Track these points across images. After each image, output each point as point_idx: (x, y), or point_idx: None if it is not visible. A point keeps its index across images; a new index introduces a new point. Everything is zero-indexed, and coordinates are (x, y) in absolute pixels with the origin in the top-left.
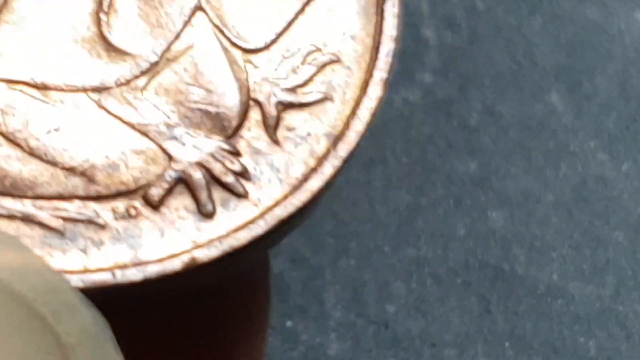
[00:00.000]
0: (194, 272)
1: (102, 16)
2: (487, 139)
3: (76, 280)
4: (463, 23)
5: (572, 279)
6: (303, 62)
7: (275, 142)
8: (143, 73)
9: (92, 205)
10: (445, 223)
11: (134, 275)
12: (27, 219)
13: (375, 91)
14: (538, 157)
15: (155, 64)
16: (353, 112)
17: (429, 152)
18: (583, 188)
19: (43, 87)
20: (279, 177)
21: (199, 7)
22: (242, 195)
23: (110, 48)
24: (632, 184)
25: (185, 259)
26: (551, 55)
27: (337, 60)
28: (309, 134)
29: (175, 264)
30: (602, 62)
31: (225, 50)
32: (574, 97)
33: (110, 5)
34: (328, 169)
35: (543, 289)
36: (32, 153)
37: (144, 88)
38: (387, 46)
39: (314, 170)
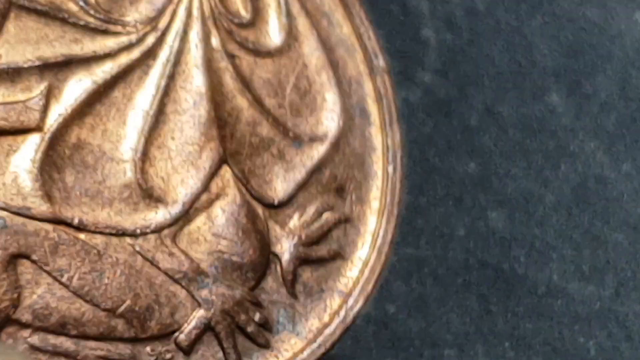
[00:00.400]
0: None
1: (139, 163)
2: (487, 139)
3: None
4: (463, 23)
5: (572, 279)
6: (317, 220)
7: (293, 295)
8: (175, 221)
9: (130, 347)
10: (445, 223)
11: None
12: (70, 356)
13: (383, 254)
14: (538, 157)
15: (185, 213)
16: (362, 272)
17: (429, 152)
18: (583, 188)
19: (85, 229)
20: (297, 330)
21: (224, 161)
22: (263, 346)
23: (145, 194)
24: (632, 184)
25: None
26: (551, 56)
27: (347, 220)
28: (322, 290)
29: None
30: (602, 62)
31: (248, 203)
32: (573, 97)
33: (144, 154)
34: (340, 326)
35: (543, 289)
36: (76, 294)
37: (176, 236)
38: (395, 210)
39: (327, 325)
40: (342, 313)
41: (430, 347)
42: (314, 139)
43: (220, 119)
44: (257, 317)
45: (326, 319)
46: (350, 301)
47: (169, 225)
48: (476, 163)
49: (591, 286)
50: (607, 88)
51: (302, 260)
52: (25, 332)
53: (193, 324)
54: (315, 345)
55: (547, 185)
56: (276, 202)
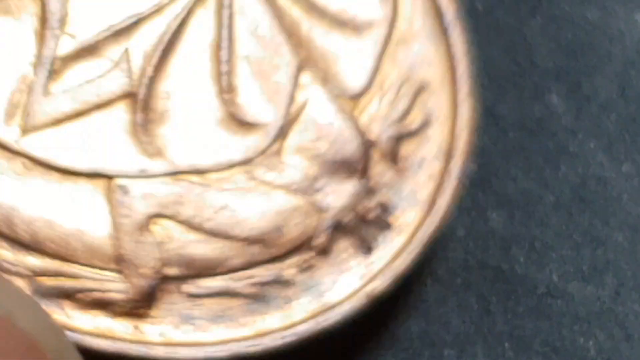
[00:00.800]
0: (372, 304)
1: (226, 96)
2: (487, 140)
3: (278, 338)
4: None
5: (572, 279)
6: (398, 96)
7: (399, 173)
8: (274, 139)
9: (273, 266)
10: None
11: (327, 320)
12: (226, 293)
13: (465, 107)
14: (538, 157)
15: (281, 128)
16: (452, 131)
17: None
18: (583, 188)
19: (200, 172)
20: (411, 203)
21: (300, 69)
22: (387, 227)
23: (241, 123)
24: (632, 185)
25: (365, 293)
26: (551, 56)
27: (424, 87)
28: (423, 159)
29: (360, 300)
30: (602, 63)
31: (333, 101)
32: (573, 98)
33: (229, 85)
34: (449, 187)
35: (543, 290)
36: (210, 233)
37: (278, 152)
38: (462, 64)
39: (438, 190)
40: (447, 174)
41: (429, 347)
42: (373, 24)
43: (285, 32)
44: (374, 203)
45: (434, 184)
46: (451, 161)
47: (271, 144)
48: (476, 163)
49: (591, 286)
50: (607, 88)
51: (397, 138)
52: (181, 284)
53: (321, 227)
54: (434, 211)
55: (547, 185)
56: (356, 92)
